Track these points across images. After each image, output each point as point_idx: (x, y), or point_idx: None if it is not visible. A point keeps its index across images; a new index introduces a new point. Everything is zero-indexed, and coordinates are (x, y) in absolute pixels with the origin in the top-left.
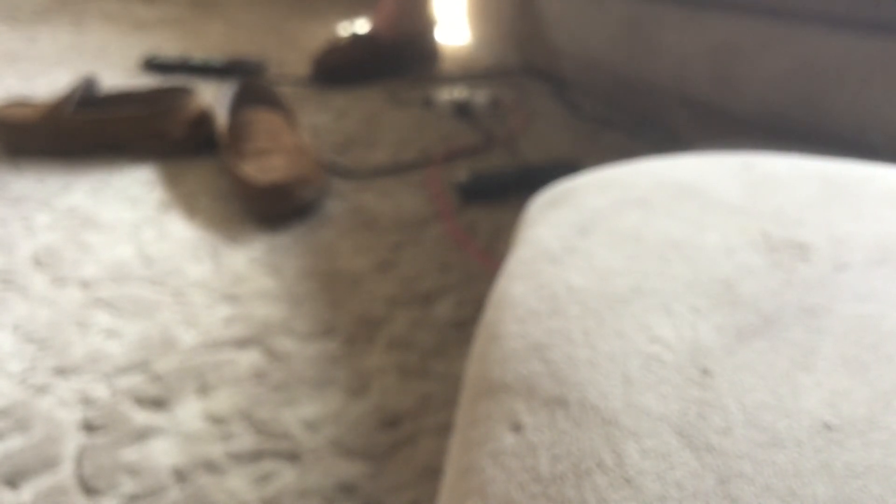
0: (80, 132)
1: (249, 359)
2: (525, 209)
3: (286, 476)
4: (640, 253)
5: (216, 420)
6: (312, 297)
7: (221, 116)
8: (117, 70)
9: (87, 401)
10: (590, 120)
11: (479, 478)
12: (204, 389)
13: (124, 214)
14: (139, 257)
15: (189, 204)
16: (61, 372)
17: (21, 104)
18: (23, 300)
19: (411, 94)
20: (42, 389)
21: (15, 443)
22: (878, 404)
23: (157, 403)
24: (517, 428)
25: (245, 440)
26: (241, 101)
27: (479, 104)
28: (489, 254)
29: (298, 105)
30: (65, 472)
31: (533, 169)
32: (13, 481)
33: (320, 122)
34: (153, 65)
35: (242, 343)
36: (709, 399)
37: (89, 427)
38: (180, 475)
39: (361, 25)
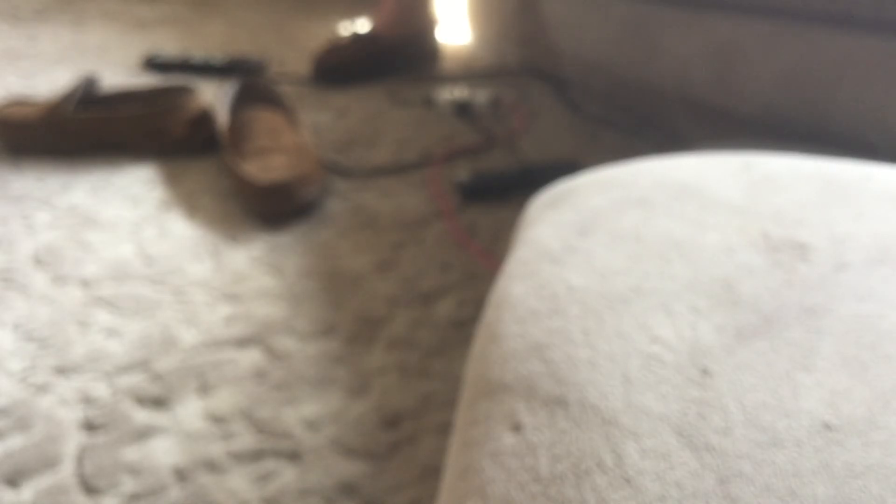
0: (80, 131)
1: (250, 358)
2: (525, 209)
3: (287, 475)
4: (641, 253)
5: (217, 419)
6: (313, 296)
7: (222, 115)
8: (118, 69)
9: (87, 400)
10: (590, 120)
11: (479, 478)
12: (204, 388)
13: (125, 213)
14: (140, 256)
15: (190, 203)
16: (62, 371)
17: (22, 103)
18: (23, 299)
19: (412, 93)
20: (42, 388)
21: (15, 442)
22: (877, 404)
23: (158, 402)
24: (517, 428)
25: (246, 439)
26: (242, 100)
27: (480, 104)
28: (490, 253)
29: (299, 104)
30: (65, 472)
31: (533, 169)
32: (14, 480)
33: (321, 121)
34: (154, 64)
35: (243, 342)
36: (709, 399)
37: (90, 426)
38: (181, 474)
39: (362, 25)
